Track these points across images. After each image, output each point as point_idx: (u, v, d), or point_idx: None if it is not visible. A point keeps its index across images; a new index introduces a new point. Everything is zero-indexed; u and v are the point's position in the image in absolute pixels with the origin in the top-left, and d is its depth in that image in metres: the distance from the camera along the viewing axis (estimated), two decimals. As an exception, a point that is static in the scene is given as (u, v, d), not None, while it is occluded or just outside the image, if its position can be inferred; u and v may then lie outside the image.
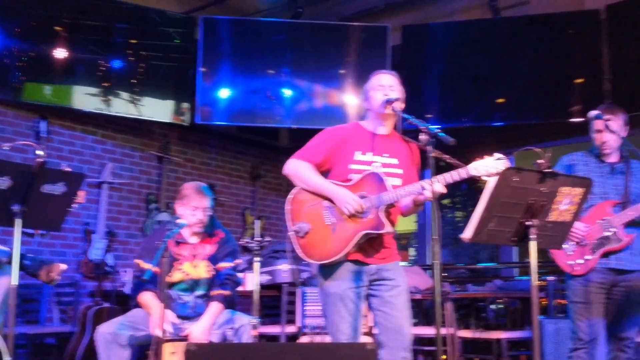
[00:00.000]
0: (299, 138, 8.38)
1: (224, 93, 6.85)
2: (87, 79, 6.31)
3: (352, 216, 3.12)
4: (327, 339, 4.69)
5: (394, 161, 3.25)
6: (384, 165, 3.22)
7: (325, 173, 3.29)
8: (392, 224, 3.23)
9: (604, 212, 3.69)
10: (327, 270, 3.19)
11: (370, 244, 3.18)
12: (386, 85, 3.26)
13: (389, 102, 3.21)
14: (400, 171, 3.24)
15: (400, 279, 3.23)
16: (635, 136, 5.86)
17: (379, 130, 3.30)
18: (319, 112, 6.86)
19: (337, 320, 3.15)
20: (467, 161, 3.14)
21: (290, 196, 3.23)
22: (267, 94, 6.84)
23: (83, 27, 6.28)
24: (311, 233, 3.13)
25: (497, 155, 3.08)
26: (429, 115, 6.70)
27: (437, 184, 2.98)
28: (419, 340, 5.98)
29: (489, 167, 3.05)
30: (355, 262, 3.16)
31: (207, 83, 6.77)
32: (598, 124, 3.71)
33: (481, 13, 6.99)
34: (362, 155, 3.22)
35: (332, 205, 3.16)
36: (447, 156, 3.07)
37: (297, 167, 3.24)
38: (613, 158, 3.78)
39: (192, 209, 4.01)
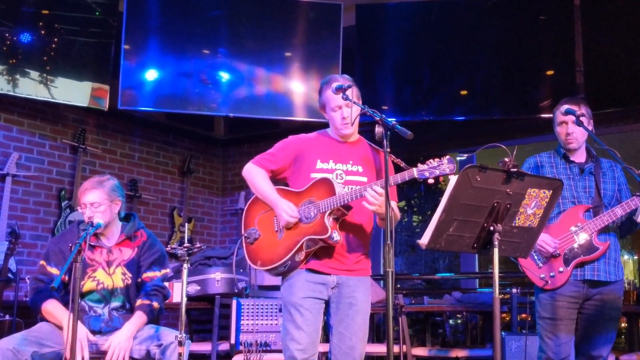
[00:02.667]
0: (236, 129, 8.46)
1: (151, 75, 6.74)
2: (-11, 55, 6.14)
3: (293, 224, 3.43)
4: (266, 357, 4.73)
5: (358, 169, 3.52)
6: (347, 172, 3.50)
7: (285, 181, 3.59)
8: (363, 233, 3.51)
9: (576, 217, 3.76)
10: (287, 279, 3.49)
11: (328, 254, 3.42)
12: (343, 105, 3.46)
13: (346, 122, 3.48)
14: (364, 179, 3.48)
15: (361, 297, 3.47)
16: (609, 135, 6.07)
17: (343, 138, 3.59)
18: (260, 100, 6.82)
19: (292, 329, 3.37)
20: (425, 158, 3.22)
21: (248, 203, 3.63)
22: (201, 78, 6.77)
23: (-15, -6, 6.09)
24: (260, 239, 3.50)
25: (447, 158, 3.22)
26: (384, 107, 6.74)
27: (377, 187, 3.22)
28: (369, 359, 6.01)
29: (436, 169, 3.20)
30: (314, 271, 3.42)
31: (132, 63, 6.65)
32: (565, 118, 3.78)
33: (444, -7, 7.05)
34: (322, 163, 3.51)
35: None
36: (398, 160, 3.34)
37: (252, 173, 3.59)
38: (580, 157, 3.87)
39: (82, 206, 3.95)
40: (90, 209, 3.91)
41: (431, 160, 3.22)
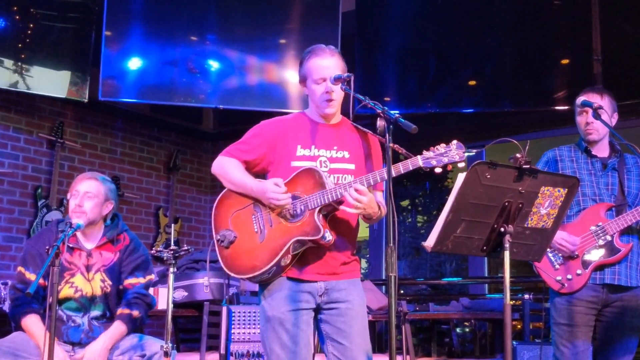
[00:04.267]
0: (227, 121, 8.45)
1: (134, 63, 6.74)
2: (-42, 41, 6.14)
3: (282, 216, 3.18)
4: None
5: (344, 155, 3.30)
6: (332, 160, 3.27)
7: (264, 173, 3.36)
8: (351, 229, 3.29)
9: (597, 216, 3.76)
10: (267, 289, 3.24)
11: (315, 256, 3.21)
12: (328, 78, 3.23)
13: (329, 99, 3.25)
14: (351, 166, 3.28)
15: (356, 301, 3.26)
16: (628, 128, 6.07)
17: (325, 119, 3.35)
18: (252, 91, 6.82)
19: (278, 349, 3.17)
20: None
21: (217, 200, 3.33)
22: (188, 66, 6.77)
23: (-46, -25, 6.09)
24: (237, 243, 3.23)
25: (455, 142, 3.11)
26: (386, 99, 6.75)
27: (357, 185, 3.04)
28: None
29: (444, 156, 3.08)
30: (297, 280, 3.20)
31: (113, 50, 6.64)
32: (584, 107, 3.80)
33: (451, -24, 7.06)
34: (304, 149, 3.27)
35: (262, 209, 3.23)
36: (397, 145, 3.09)
37: (223, 165, 3.36)
38: (603, 151, 3.87)
39: (73, 194, 3.95)
40: (83, 197, 3.91)
41: (437, 147, 3.09)
